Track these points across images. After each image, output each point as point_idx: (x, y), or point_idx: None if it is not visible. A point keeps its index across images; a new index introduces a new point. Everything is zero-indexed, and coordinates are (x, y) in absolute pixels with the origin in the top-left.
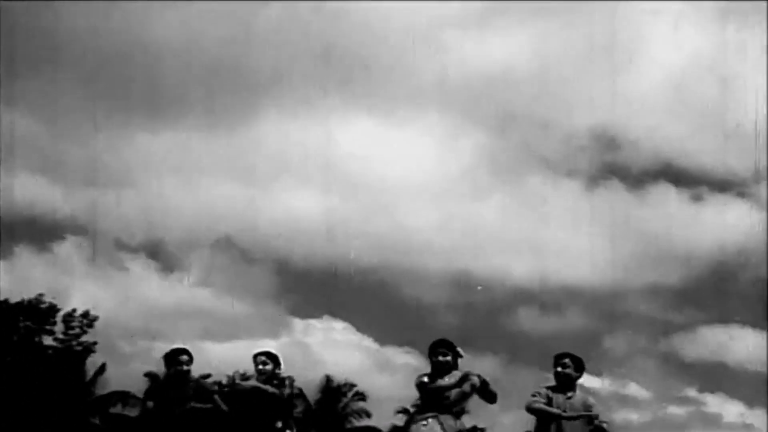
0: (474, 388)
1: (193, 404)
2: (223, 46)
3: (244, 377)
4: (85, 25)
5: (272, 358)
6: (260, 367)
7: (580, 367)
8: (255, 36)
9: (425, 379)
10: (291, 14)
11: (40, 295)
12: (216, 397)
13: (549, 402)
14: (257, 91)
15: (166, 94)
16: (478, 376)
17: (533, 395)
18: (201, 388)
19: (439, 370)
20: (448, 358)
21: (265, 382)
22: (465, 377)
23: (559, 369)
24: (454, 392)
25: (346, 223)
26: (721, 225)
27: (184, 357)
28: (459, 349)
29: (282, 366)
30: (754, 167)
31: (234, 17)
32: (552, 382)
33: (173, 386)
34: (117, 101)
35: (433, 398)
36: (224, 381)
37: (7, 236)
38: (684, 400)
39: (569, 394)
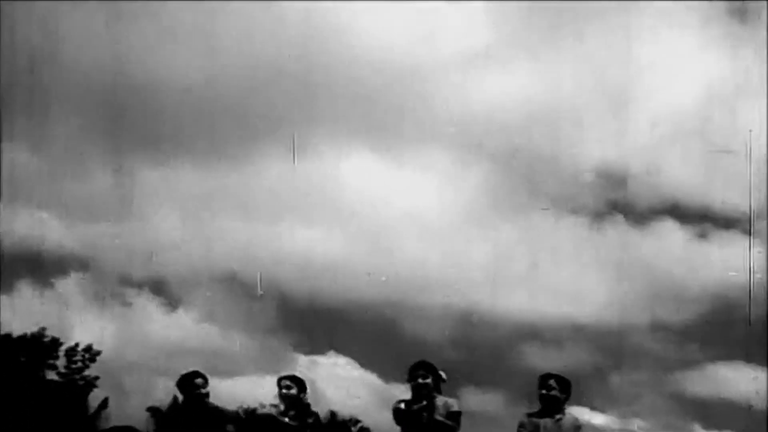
0: (448, 411)
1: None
2: (226, 81)
3: (263, 406)
4: (86, 59)
5: (297, 382)
6: (284, 391)
7: (566, 389)
8: (258, 71)
9: (402, 405)
10: (294, 50)
11: (43, 329)
12: (230, 427)
13: (536, 430)
14: (260, 126)
15: (169, 129)
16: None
17: (519, 428)
18: (220, 413)
19: (418, 394)
20: (428, 380)
21: (288, 408)
22: (445, 403)
23: (544, 391)
24: (429, 416)
25: (349, 258)
26: (726, 262)
27: (200, 380)
28: (441, 372)
29: (307, 391)
30: (758, 205)
31: (236, 53)
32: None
33: (192, 412)
34: (119, 136)
35: (410, 425)
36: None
37: (9, 271)
38: None
39: (558, 417)
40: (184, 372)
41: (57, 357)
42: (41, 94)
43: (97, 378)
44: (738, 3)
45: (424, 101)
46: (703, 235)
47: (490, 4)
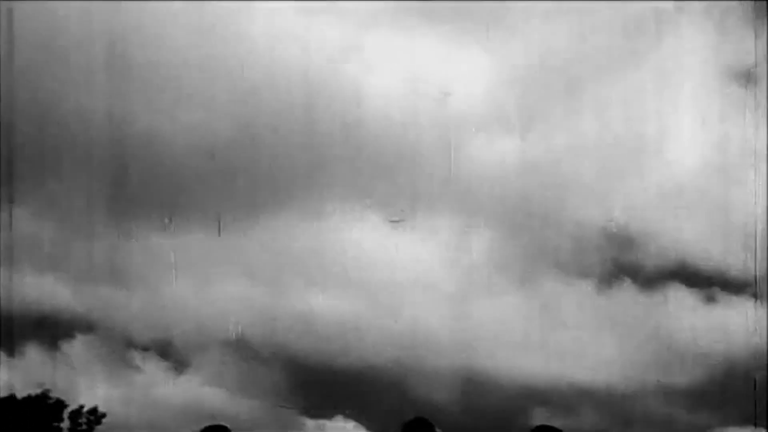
0: None
1: None
2: (234, 144)
3: None
4: (94, 122)
5: None
6: None
7: None
8: (266, 134)
9: None
10: (301, 113)
11: (47, 390)
12: None
13: None
14: (268, 190)
15: (176, 192)
16: None
17: None
18: None
19: None
20: None
21: None
22: None
23: None
24: None
25: (356, 322)
26: (734, 326)
27: None
28: (438, 430)
29: None
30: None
31: (243, 115)
32: None
33: None
34: (126, 198)
35: None
36: None
37: (15, 333)
38: None
39: None
40: (207, 425)
41: (61, 419)
42: (47, 157)
43: None
44: (744, 67)
45: (431, 164)
46: (710, 298)
47: (496, 66)
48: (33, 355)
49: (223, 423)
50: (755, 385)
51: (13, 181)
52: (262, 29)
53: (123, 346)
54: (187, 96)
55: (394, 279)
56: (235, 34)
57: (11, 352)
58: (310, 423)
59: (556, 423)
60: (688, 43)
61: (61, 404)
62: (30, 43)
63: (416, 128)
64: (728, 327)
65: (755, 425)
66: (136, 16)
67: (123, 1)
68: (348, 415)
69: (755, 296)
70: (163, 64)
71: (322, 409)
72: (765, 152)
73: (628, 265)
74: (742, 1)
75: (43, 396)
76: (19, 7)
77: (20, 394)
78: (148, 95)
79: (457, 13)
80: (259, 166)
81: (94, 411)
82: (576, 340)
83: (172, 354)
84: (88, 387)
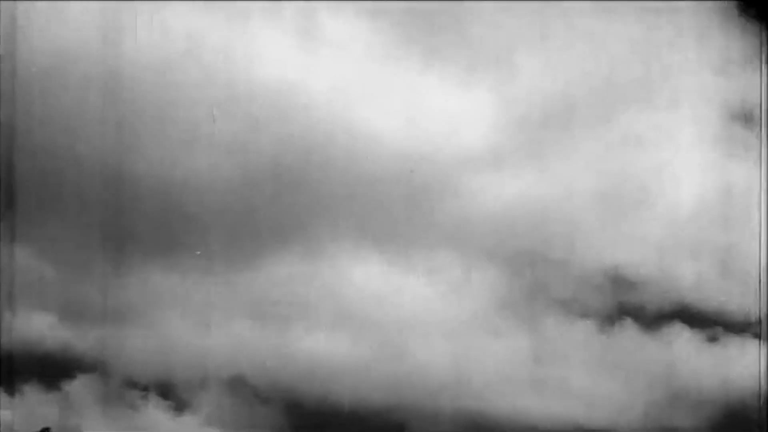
0: None
1: None
2: (235, 184)
3: None
4: (97, 161)
5: None
6: None
7: None
8: (266, 174)
9: None
10: (300, 153)
11: (46, 429)
12: None
13: None
14: (269, 230)
15: (177, 231)
16: None
17: None
18: None
19: None
20: None
21: None
22: None
23: None
24: None
25: (357, 362)
26: (738, 366)
27: None
28: None
29: None
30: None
31: (243, 155)
32: None
33: None
34: (128, 239)
35: None
36: None
37: (15, 373)
38: None
39: None
40: None
41: None
42: (49, 195)
43: None
44: (746, 107)
45: (432, 204)
46: (714, 339)
47: (498, 105)
48: (34, 394)
49: None
50: (759, 426)
51: (14, 219)
52: (264, 69)
53: (123, 386)
54: (190, 136)
55: (396, 319)
56: (236, 75)
57: (12, 391)
58: None
59: None
60: (689, 83)
61: None
62: (30, 81)
63: (418, 167)
64: (731, 367)
65: None
66: (140, 55)
67: (126, 40)
68: None
69: (758, 336)
70: (166, 104)
71: None
72: (766, 193)
73: (630, 306)
74: (742, 38)
75: None
76: (23, 42)
77: None
78: (151, 135)
79: (460, 52)
80: (262, 206)
81: None
82: (578, 381)
83: (172, 394)
84: (88, 427)
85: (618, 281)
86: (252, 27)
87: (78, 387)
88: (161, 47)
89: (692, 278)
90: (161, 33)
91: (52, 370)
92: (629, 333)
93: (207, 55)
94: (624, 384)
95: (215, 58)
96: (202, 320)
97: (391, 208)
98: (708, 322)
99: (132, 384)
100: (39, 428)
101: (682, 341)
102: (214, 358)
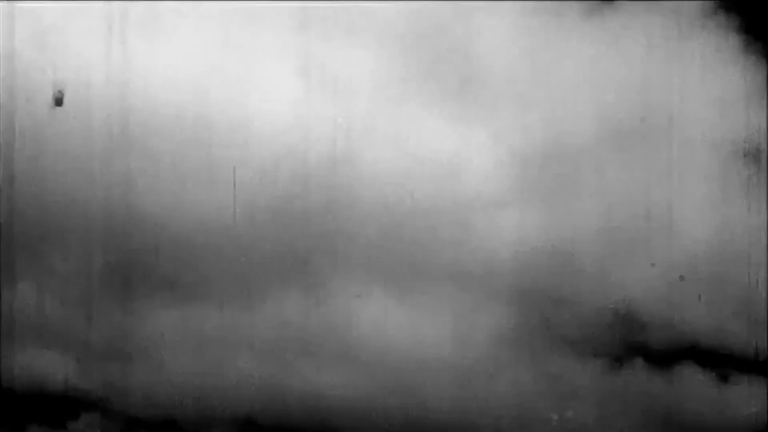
0: None
1: None
2: (242, 221)
3: None
4: (99, 198)
5: None
6: None
7: None
8: (272, 211)
9: None
10: (307, 189)
11: None
12: None
13: None
14: (274, 268)
15: (182, 268)
16: None
17: None
18: None
19: None
20: None
21: None
22: None
23: None
24: None
25: (363, 400)
26: (747, 406)
27: None
28: None
29: None
30: None
31: (249, 192)
32: None
33: None
34: (131, 276)
35: None
36: None
37: (18, 412)
38: None
39: None
40: None
41: None
42: (51, 232)
43: None
44: (753, 145)
45: (440, 242)
46: (724, 378)
47: (504, 143)
48: None
49: None
50: None
51: (16, 256)
52: (263, 109)
53: (128, 425)
54: (192, 175)
55: (402, 358)
56: (236, 115)
57: (14, 430)
58: None
59: None
60: (695, 120)
61: None
62: (30, 119)
63: (423, 206)
64: (742, 407)
65: None
66: (141, 93)
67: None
68: None
69: None
70: (167, 142)
71: None
72: None
73: (640, 345)
74: (746, 74)
75: None
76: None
77: None
78: (153, 173)
79: (463, 91)
80: (268, 243)
81: None
82: (587, 420)
83: None
84: None
85: (627, 320)
86: (256, 65)
87: (82, 425)
88: (168, 88)
89: (702, 317)
90: (169, 75)
91: (55, 409)
92: (639, 372)
93: (209, 93)
94: (634, 423)
95: (218, 97)
96: (207, 358)
97: (396, 246)
98: (719, 362)
99: (137, 423)
100: None
101: (693, 381)
102: (220, 396)
